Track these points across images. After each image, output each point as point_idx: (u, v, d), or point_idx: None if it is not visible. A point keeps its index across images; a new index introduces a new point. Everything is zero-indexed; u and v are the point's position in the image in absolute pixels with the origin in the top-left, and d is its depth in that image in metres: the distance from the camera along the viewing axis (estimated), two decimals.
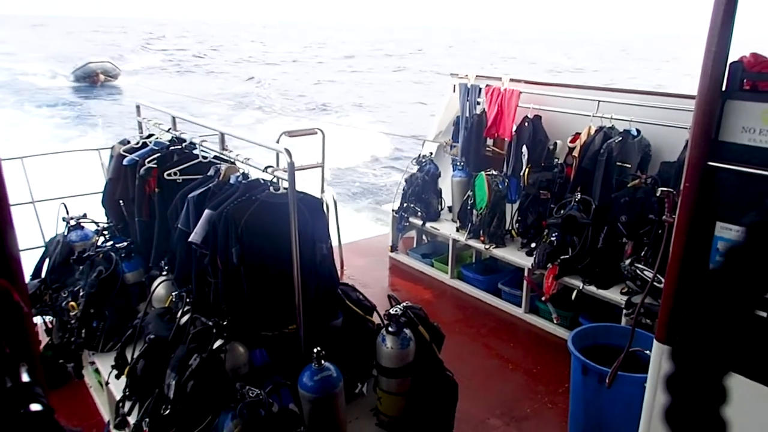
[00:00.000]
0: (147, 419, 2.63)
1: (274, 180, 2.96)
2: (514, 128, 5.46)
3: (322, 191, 3.94)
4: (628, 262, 4.20)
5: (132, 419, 2.81)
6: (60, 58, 37.88)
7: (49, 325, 3.95)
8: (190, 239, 2.87)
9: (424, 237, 6.66)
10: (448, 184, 6.11)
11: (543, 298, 4.77)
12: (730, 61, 1.81)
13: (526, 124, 5.37)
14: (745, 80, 1.82)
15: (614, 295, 4.36)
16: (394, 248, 6.55)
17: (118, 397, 2.97)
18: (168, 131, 3.88)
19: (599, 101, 4.86)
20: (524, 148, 5.34)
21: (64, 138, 18.64)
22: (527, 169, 5.26)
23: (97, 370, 3.54)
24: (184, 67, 42.28)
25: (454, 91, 6.17)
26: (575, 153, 4.86)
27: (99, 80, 30.83)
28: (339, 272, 3.37)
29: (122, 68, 33.12)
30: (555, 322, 4.88)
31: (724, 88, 1.82)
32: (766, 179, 1.74)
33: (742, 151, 1.79)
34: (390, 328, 2.81)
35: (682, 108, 4.23)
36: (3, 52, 42.99)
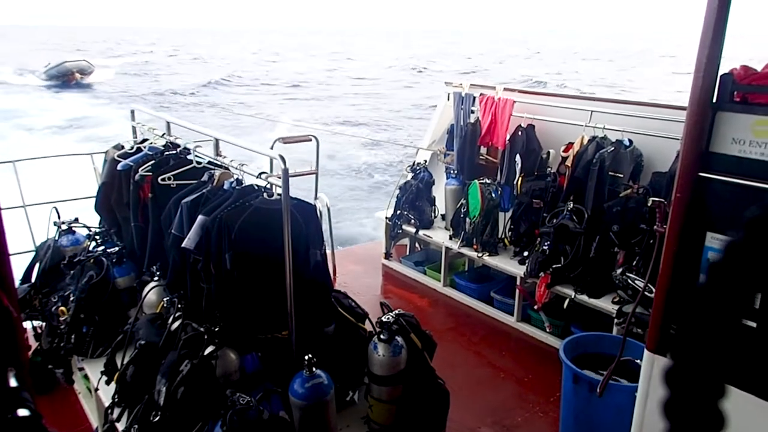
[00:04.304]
0: (136, 426, 2.60)
1: (268, 186, 2.96)
2: (508, 137, 5.49)
3: (316, 197, 3.93)
4: (619, 271, 4.21)
5: (121, 426, 2.78)
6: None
7: (39, 330, 3.92)
8: (183, 245, 2.86)
9: (417, 245, 6.66)
10: (441, 192, 6.12)
11: (535, 307, 4.78)
12: (720, 73, 1.83)
13: (520, 133, 5.40)
14: (735, 92, 1.85)
15: (606, 304, 4.37)
16: (387, 255, 6.55)
17: (107, 404, 2.95)
18: (162, 136, 3.87)
19: (592, 111, 4.89)
20: (518, 157, 5.37)
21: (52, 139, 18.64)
22: (520, 178, 5.28)
23: (86, 376, 3.50)
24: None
25: (448, 99, 6.20)
26: (568, 162, 4.89)
27: (74, 78, 31.26)
28: (332, 279, 3.37)
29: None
30: (547, 330, 4.88)
31: (714, 100, 1.85)
32: (756, 190, 1.77)
33: (732, 162, 1.82)
34: (382, 336, 2.80)
35: (673, 119, 4.27)
36: None
